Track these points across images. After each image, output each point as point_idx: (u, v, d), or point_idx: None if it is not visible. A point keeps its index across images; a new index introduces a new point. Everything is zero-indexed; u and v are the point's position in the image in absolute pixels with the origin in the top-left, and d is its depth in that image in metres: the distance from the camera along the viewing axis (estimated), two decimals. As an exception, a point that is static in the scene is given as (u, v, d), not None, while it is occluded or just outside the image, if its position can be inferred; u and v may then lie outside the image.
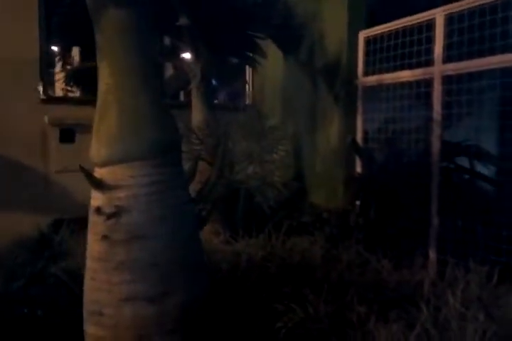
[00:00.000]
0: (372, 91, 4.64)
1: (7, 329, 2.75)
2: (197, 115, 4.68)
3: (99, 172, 1.65)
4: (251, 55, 4.45)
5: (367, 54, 4.64)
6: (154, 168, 1.63)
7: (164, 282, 1.57)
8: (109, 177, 1.62)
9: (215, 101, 6.16)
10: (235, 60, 4.12)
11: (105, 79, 1.70)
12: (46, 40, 5.01)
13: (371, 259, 3.62)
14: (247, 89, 6.13)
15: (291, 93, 5.55)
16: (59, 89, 5.71)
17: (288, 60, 5.36)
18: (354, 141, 4.58)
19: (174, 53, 5.03)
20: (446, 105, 4.03)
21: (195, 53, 4.32)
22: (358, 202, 4.75)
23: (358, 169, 4.84)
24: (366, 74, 4.69)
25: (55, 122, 4.93)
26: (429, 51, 4.03)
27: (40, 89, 4.97)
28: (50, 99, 5.07)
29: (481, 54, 3.65)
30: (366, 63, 4.66)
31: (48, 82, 5.24)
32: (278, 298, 3.06)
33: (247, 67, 5.90)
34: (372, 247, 3.87)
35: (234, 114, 5.90)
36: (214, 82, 4.81)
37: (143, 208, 1.58)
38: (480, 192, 4.21)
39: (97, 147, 1.67)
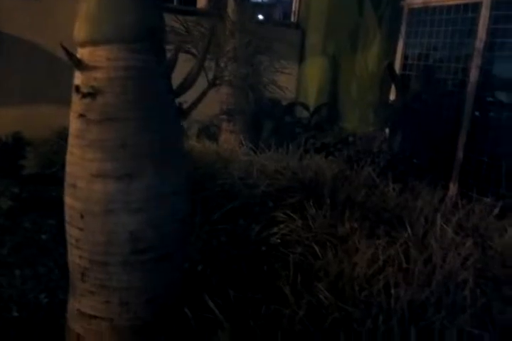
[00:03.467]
0: (418, 14, 4.38)
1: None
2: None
3: (80, 52, 1.72)
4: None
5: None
6: (132, 52, 1.68)
7: (132, 163, 1.69)
8: (88, 57, 1.69)
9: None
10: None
11: None
12: None
13: (380, 183, 3.65)
14: (293, 7, 5.91)
15: (335, 12, 5.32)
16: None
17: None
18: (390, 66, 4.41)
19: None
20: (492, 33, 3.78)
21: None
22: (387, 130, 4.69)
23: (392, 96, 4.72)
24: (414, -6, 4.41)
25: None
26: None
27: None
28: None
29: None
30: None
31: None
32: (282, 207, 3.21)
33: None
34: (389, 173, 3.88)
35: (279, 30, 5.79)
36: None
37: (117, 91, 1.67)
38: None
39: (78, 26, 1.71)
